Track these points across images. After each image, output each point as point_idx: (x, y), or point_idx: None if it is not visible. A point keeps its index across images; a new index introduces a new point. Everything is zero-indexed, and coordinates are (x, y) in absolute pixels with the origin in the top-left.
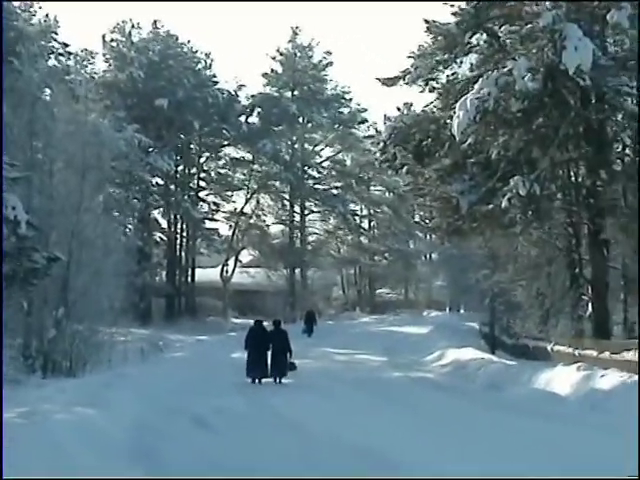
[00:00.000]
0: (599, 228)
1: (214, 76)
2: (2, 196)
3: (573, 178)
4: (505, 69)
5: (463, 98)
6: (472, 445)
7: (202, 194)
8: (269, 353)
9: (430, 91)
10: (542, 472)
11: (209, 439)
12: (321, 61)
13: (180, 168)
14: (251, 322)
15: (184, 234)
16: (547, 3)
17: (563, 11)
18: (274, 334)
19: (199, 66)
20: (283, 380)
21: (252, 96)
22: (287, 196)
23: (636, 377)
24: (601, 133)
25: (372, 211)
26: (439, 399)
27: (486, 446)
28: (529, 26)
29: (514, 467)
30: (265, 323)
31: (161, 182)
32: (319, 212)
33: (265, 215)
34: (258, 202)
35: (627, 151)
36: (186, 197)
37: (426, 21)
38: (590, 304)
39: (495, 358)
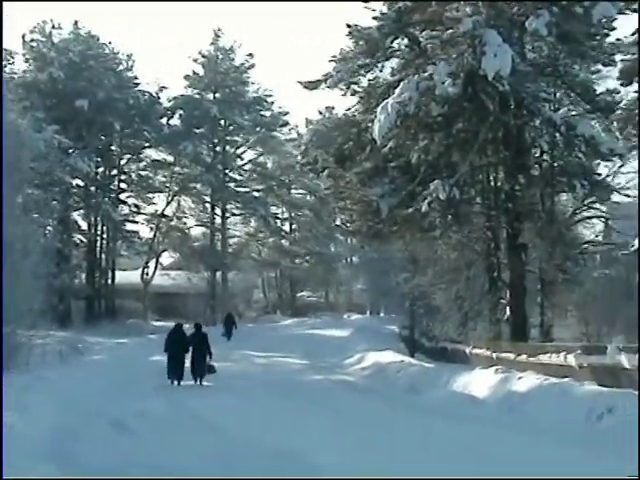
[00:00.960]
0: (517, 232)
1: (135, 77)
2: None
3: (492, 183)
4: (426, 74)
5: (384, 102)
6: (392, 447)
7: (123, 196)
8: (188, 355)
9: (352, 95)
10: (457, 473)
11: (129, 442)
12: (243, 63)
13: (100, 170)
14: (171, 325)
15: (104, 236)
16: (467, 9)
17: (483, 17)
18: (194, 337)
19: (120, 67)
20: (204, 382)
21: (174, 98)
22: (208, 198)
23: (552, 379)
24: (519, 138)
25: (293, 214)
26: (359, 402)
27: (405, 448)
28: (450, 31)
29: (432, 468)
30: (186, 326)
31: (81, 184)
32: (240, 215)
33: (186, 217)
34: (179, 204)
35: (544, 157)
36: (106, 199)
37: (348, 25)
38: (508, 307)
39: (414, 361)
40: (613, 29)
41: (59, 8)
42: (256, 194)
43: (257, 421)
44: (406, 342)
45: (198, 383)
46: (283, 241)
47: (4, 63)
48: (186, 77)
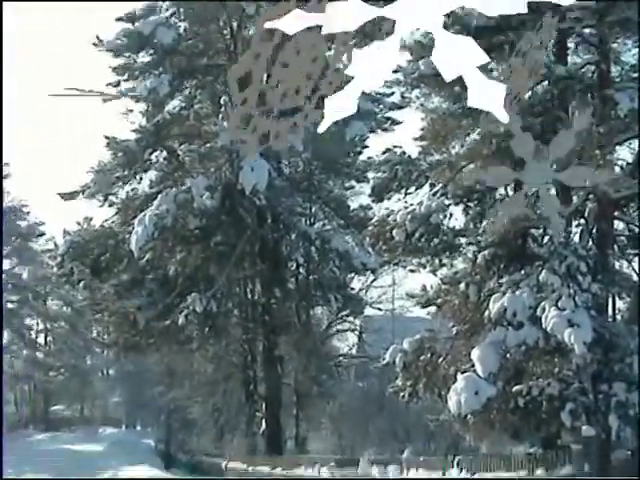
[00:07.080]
0: (273, 345)
1: None
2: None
3: (249, 295)
4: (184, 187)
5: (142, 214)
6: None
7: None
8: None
9: (109, 206)
10: None
11: None
12: None
13: None
14: None
15: None
16: (225, 124)
17: None
18: None
19: None
20: None
21: None
22: None
23: None
24: (276, 252)
25: (49, 326)
26: None
27: None
28: (207, 145)
29: None
30: None
31: None
32: None
33: None
34: None
35: (300, 270)
36: None
37: (106, 137)
38: (264, 420)
39: (169, 476)
40: (365, 147)
41: None
42: (10, 305)
43: None
44: (162, 456)
45: None
46: (38, 353)
47: None
48: None
